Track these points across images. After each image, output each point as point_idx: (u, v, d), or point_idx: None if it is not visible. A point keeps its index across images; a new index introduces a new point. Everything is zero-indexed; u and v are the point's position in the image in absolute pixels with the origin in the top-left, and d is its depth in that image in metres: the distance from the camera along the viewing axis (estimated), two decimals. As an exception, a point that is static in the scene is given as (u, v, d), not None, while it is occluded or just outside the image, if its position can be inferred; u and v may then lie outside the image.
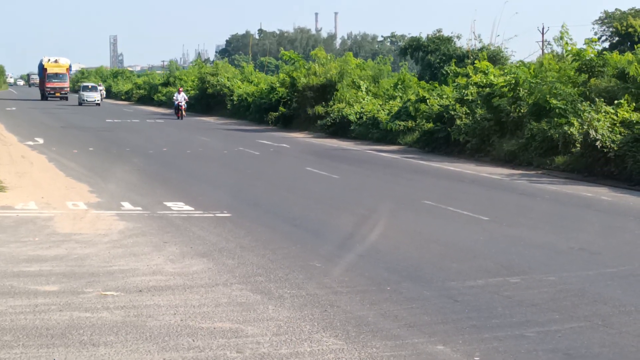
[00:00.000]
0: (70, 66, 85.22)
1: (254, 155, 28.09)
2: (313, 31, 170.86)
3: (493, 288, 10.22)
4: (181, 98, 52.73)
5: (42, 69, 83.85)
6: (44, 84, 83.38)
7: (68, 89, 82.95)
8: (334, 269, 11.17)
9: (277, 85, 48.57)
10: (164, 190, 18.94)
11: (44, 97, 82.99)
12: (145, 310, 8.96)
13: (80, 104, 72.03)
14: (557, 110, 25.50)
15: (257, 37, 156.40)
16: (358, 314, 9.00)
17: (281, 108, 45.76)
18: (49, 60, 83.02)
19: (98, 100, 73.29)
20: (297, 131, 41.77)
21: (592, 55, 27.77)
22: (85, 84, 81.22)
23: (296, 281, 10.40)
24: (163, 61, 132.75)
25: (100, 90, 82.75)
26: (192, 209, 16.07)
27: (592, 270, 11.48)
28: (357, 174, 23.11)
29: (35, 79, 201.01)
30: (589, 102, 24.91)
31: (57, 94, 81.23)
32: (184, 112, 52.99)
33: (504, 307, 9.33)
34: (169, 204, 16.63)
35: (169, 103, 68.78)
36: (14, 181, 19.39)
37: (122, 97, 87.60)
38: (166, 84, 76.24)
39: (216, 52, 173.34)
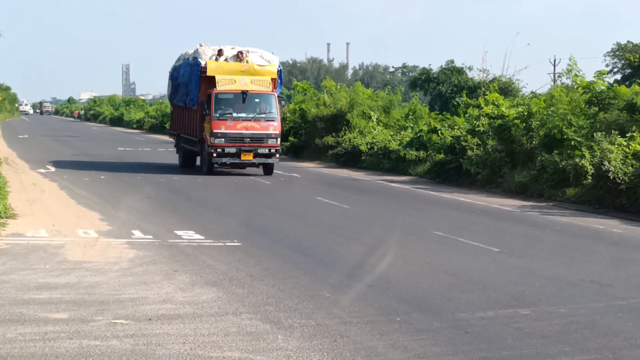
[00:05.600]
0: (279, 72, 31.84)
1: (265, 185, 28.10)
2: (325, 61, 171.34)
3: (503, 319, 10.19)
4: None
5: (196, 79, 30.88)
6: (198, 123, 30.82)
7: (278, 140, 30.40)
8: (344, 298, 11.16)
9: (289, 115, 48.72)
10: (175, 218, 18.97)
11: (187, 161, 33.47)
12: (155, 339, 8.96)
13: None
14: (572, 142, 25.51)
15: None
16: (367, 344, 8.98)
17: (291, 138, 45.87)
18: (218, 53, 31.03)
19: None
20: (308, 161, 41.83)
21: (603, 87, 27.77)
22: None
23: (306, 311, 10.39)
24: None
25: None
26: (203, 237, 16.09)
27: (602, 302, 11.43)
28: (368, 204, 23.10)
29: (48, 107, 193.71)
30: (603, 133, 24.90)
31: (248, 157, 29.83)
32: None
33: (514, 339, 9.30)
34: (179, 232, 16.65)
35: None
36: (25, 208, 19.45)
37: (134, 125, 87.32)
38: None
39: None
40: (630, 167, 22.46)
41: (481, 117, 30.91)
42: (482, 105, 31.84)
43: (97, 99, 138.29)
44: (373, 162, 36.59)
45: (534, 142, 27.52)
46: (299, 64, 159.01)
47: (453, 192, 27.10)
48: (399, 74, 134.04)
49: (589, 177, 23.76)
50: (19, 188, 23.69)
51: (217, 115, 29.47)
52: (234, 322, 9.76)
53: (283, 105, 31.22)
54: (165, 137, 66.66)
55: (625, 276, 13.61)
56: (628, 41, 64.54)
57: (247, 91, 29.76)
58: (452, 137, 32.29)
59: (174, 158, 36.83)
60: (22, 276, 12.08)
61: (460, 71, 54.25)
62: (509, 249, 15.84)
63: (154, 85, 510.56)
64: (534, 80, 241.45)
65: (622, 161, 22.73)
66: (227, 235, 16.45)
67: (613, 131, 24.57)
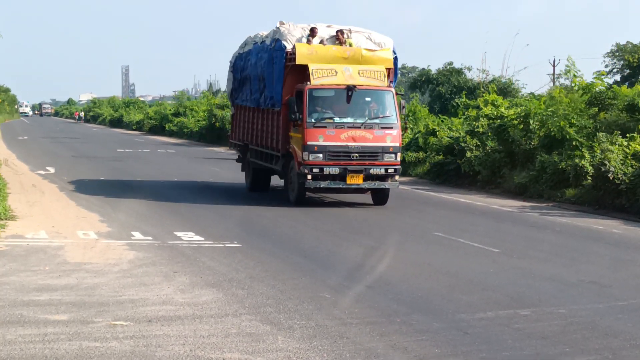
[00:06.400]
0: (395, 60, 22.77)
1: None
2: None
3: (503, 320, 10.19)
4: None
5: (279, 69, 21.94)
6: (282, 131, 22.03)
7: (398, 156, 21.66)
8: (344, 300, 11.16)
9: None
10: (175, 220, 18.97)
11: (259, 183, 25.55)
12: (155, 340, 8.96)
13: None
14: (574, 142, 25.50)
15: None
16: (367, 345, 8.97)
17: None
18: (310, 33, 21.88)
19: None
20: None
21: (602, 88, 27.78)
22: None
23: (306, 312, 10.38)
24: (174, 91, 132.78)
25: None
26: (202, 239, 16.09)
27: (602, 303, 11.43)
28: (367, 205, 23.08)
29: (48, 108, 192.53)
30: (605, 134, 24.90)
31: (356, 180, 21.22)
32: None
33: (514, 340, 9.30)
34: (179, 233, 16.65)
35: (179, 133, 68.77)
36: (25, 210, 19.45)
37: (134, 127, 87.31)
38: (177, 114, 76.26)
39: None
40: (630, 168, 22.45)
41: (480, 118, 30.89)
42: (481, 106, 31.82)
43: (97, 101, 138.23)
44: (372, 163, 36.50)
45: (532, 143, 27.51)
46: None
47: (453, 192, 27.09)
48: (399, 75, 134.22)
49: (589, 178, 23.75)
50: (18, 190, 23.69)
51: (313, 120, 20.93)
52: (234, 324, 9.76)
53: (403, 107, 22.53)
54: (165, 138, 66.71)
55: (625, 277, 13.60)
56: (627, 42, 64.53)
57: (354, 86, 21.09)
58: (450, 137, 32.26)
59: (173, 160, 36.50)
60: (21, 278, 12.08)
61: (459, 72, 54.22)
62: (509, 249, 15.83)
63: (153, 86, 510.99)
64: (534, 81, 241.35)
65: (621, 162, 22.73)
66: (227, 236, 16.45)
67: (615, 131, 24.55)
